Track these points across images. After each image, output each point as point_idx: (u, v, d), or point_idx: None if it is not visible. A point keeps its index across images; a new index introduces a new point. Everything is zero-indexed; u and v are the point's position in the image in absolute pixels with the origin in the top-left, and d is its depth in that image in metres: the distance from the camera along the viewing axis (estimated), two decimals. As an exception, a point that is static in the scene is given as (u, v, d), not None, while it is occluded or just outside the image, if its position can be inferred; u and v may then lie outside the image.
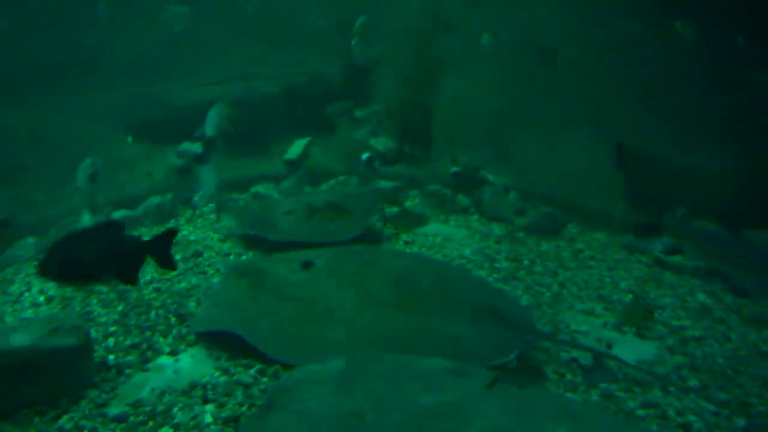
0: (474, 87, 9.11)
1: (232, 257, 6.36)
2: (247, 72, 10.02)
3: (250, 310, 4.74)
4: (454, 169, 8.16)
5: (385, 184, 8.17)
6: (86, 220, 7.23)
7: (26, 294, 5.80)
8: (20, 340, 3.99)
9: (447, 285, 5.07)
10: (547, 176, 8.07)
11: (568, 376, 4.46)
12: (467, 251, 6.60)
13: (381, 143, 8.88)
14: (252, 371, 4.32)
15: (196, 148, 8.48)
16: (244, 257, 6.34)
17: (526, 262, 6.39)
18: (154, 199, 7.63)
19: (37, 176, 8.04)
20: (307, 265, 5.10)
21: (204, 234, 7.02)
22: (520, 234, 7.15)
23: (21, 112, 9.12)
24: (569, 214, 7.43)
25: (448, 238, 6.96)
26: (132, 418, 3.91)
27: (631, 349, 4.84)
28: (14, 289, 5.95)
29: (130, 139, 9.47)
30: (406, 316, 4.64)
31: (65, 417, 3.92)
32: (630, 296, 5.76)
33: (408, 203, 8.00)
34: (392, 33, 10.09)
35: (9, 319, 5.37)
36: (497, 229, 7.34)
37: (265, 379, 4.24)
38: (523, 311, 5.17)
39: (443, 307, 4.74)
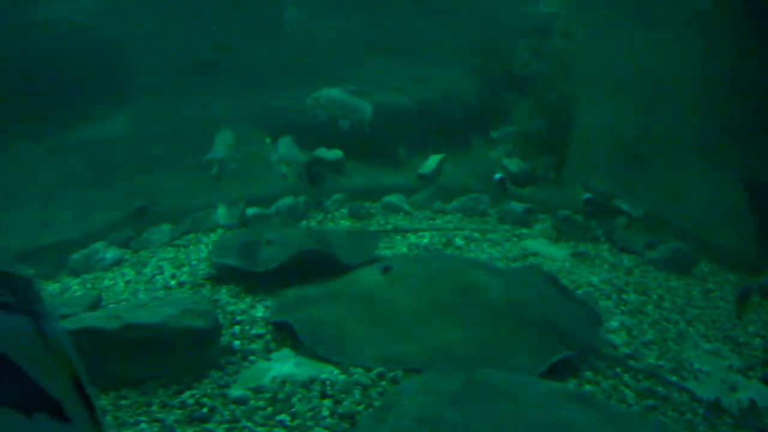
0: (612, 110, 9.14)
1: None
2: (382, 84, 10.39)
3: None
4: (587, 195, 8.16)
5: (515, 206, 8.31)
6: (221, 212, 7.76)
7: (158, 277, 6.34)
8: (152, 316, 4.34)
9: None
10: (682, 208, 7.99)
11: (688, 414, 4.48)
12: (595, 279, 6.66)
13: (514, 164, 9.03)
14: (371, 374, 4.50)
15: (332, 154, 8.96)
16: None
17: (654, 297, 6.38)
18: (287, 200, 8.08)
19: (174, 169, 8.61)
20: (386, 269, 5.41)
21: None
22: (650, 268, 7.13)
23: (162, 108, 9.93)
24: (702, 251, 7.34)
25: (577, 264, 7.04)
26: (252, 401, 4.16)
27: (755, 395, 4.80)
28: (147, 271, 6.52)
29: (268, 140, 10.05)
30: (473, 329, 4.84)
31: (188, 393, 4.22)
32: (758, 340, 5.68)
33: (537, 226, 8.12)
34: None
35: (142, 296, 5.88)
36: (627, 260, 7.34)
37: (383, 383, 4.43)
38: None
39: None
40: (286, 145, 7.81)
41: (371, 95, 9.91)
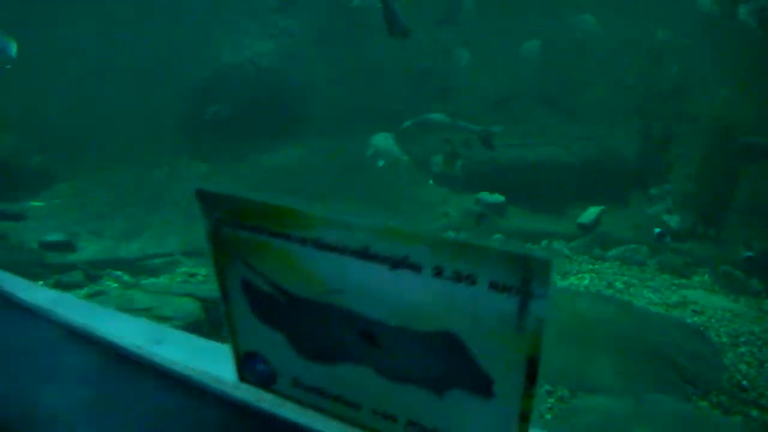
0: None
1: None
2: (549, 138, 10.95)
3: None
4: (748, 253, 8.29)
5: (674, 258, 8.52)
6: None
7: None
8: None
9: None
10: None
11: None
12: (757, 329, 6.80)
13: (674, 221, 9.24)
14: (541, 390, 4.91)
15: (493, 198, 9.54)
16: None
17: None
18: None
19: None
20: None
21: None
22: (815, 324, 7.17)
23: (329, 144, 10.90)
24: None
25: (738, 315, 7.19)
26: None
27: None
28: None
29: (431, 182, 10.81)
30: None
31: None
32: None
33: (696, 278, 8.28)
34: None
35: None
36: (790, 313, 7.42)
37: (551, 400, 4.85)
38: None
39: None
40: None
41: (538, 147, 10.57)
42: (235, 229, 1.36)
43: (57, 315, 1.82)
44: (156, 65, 12.39)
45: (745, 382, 5.64)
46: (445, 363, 1.25)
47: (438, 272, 1.18)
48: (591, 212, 9.39)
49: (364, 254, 1.23)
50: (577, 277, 7.93)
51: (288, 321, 1.41)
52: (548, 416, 4.68)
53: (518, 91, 12.42)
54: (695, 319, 6.95)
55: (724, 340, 6.51)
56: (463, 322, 1.20)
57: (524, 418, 1.22)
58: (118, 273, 7.87)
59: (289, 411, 1.47)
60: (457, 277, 1.17)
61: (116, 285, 7.58)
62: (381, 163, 8.56)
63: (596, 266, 8.45)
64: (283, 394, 1.49)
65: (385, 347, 1.30)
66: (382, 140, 9.07)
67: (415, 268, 1.20)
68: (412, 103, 11.22)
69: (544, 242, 8.99)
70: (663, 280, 8.11)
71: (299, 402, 1.48)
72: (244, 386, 1.52)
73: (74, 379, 1.65)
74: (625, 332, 6.15)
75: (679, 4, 11.66)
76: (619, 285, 7.78)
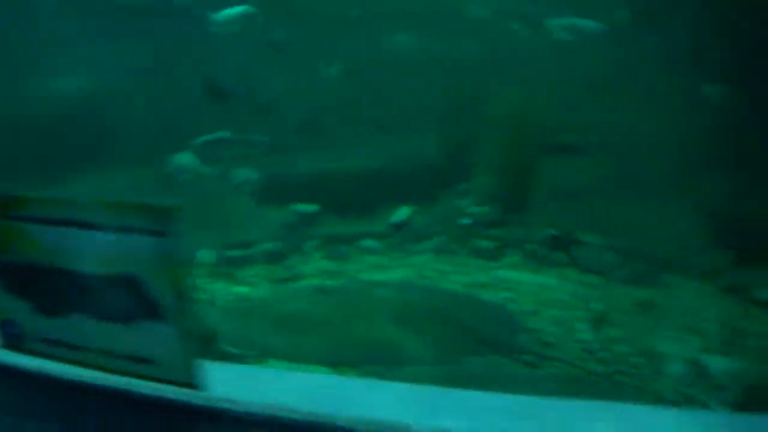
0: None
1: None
2: (358, 150, 11.04)
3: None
4: (552, 231, 8.65)
5: (485, 244, 8.74)
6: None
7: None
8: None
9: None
10: (648, 234, 8.46)
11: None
12: (563, 296, 7.08)
13: (482, 211, 9.53)
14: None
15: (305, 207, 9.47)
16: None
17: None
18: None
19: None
20: None
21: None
22: (616, 284, 7.53)
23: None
24: (664, 268, 7.77)
25: (546, 287, 7.43)
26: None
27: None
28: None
29: (243, 195, 10.67)
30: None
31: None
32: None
33: (506, 260, 8.51)
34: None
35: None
36: (593, 279, 7.75)
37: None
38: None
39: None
40: None
41: (345, 159, 10.57)
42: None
43: None
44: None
45: (552, 339, 5.83)
46: (133, 299, 1.59)
47: (111, 228, 1.57)
48: (402, 212, 9.53)
49: (68, 222, 1.61)
50: (392, 271, 7.96)
51: (26, 287, 1.74)
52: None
53: (328, 108, 12.46)
54: (506, 294, 7.12)
55: (533, 308, 6.72)
56: (137, 265, 1.57)
57: (188, 335, 1.58)
58: None
59: (37, 363, 1.80)
60: (125, 230, 1.55)
61: None
62: (183, 177, 8.28)
63: (410, 260, 8.51)
64: (32, 350, 1.79)
65: (93, 294, 1.64)
66: (185, 158, 8.86)
67: (97, 227, 1.58)
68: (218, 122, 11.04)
69: (357, 243, 8.94)
70: (475, 265, 8.27)
71: (44, 355, 1.79)
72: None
73: None
74: (432, 313, 6.20)
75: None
76: (432, 274, 7.87)
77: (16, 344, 1.79)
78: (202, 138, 9.63)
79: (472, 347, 5.53)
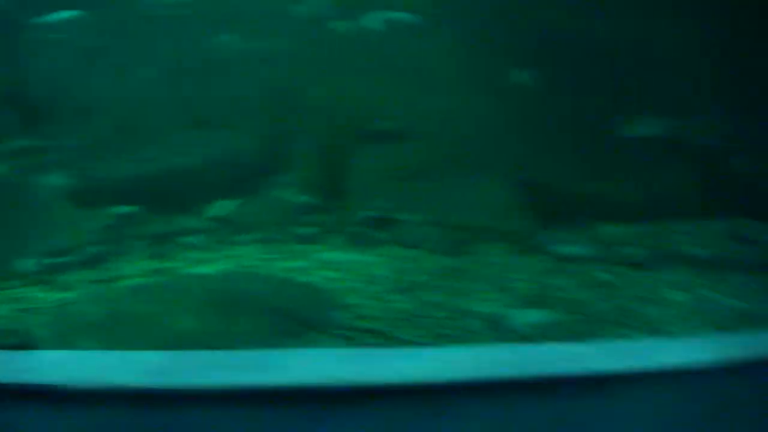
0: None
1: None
2: (175, 148, 10.82)
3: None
4: (372, 213, 8.85)
5: (308, 230, 8.79)
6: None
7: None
8: None
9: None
10: (465, 208, 8.84)
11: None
12: (384, 271, 7.33)
13: (303, 200, 9.60)
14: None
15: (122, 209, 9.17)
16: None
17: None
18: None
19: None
20: None
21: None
22: (433, 255, 7.82)
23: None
24: (478, 236, 8.16)
25: (369, 264, 7.60)
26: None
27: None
28: None
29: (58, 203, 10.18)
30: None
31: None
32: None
33: (330, 243, 8.60)
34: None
35: None
36: (412, 253, 8.00)
37: None
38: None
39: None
40: None
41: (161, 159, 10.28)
42: None
43: None
44: None
45: (369, 312, 5.99)
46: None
47: None
48: (223, 205, 9.44)
49: None
50: (214, 264, 7.84)
51: None
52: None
53: (148, 109, 12.09)
54: (327, 274, 7.21)
55: (352, 285, 6.85)
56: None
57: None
58: None
59: None
60: None
61: None
62: None
63: (233, 251, 8.41)
64: None
65: None
66: None
67: None
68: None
69: (180, 239, 8.73)
70: (298, 251, 8.30)
71: None
72: None
73: None
74: (252, 300, 6.23)
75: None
76: (255, 263, 7.84)
77: None
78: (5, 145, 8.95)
79: (289, 328, 5.57)
